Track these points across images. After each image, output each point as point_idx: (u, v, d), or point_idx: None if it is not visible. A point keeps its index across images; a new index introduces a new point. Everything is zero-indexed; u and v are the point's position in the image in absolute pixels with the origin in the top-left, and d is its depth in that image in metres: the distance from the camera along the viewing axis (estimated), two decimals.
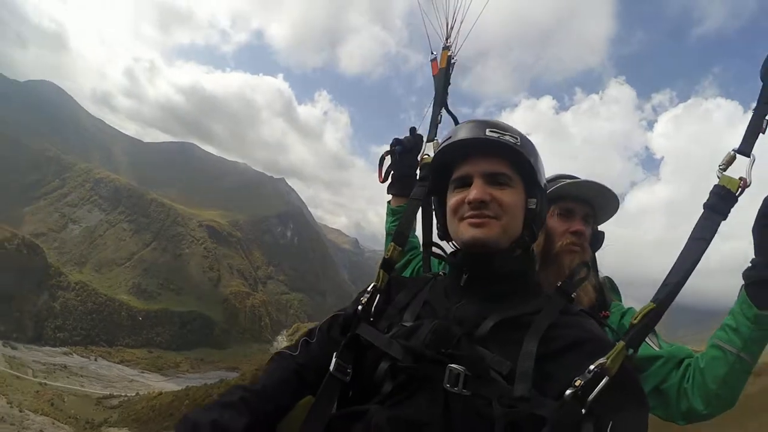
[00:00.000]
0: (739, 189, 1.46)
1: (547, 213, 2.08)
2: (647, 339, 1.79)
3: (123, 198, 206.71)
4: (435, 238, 1.79)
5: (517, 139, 1.45)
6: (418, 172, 2.06)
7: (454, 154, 1.53)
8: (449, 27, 2.31)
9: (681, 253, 1.40)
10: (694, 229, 1.42)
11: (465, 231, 1.43)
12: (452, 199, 1.50)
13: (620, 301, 2.26)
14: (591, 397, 1.13)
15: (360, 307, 1.57)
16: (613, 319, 2.06)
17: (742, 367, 1.61)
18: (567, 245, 2.12)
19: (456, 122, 1.98)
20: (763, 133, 1.54)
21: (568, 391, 1.13)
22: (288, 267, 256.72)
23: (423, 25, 2.34)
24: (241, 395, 1.39)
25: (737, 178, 1.47)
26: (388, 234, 2.36)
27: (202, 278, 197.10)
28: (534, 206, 1.49)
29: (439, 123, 2.18)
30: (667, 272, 1.38)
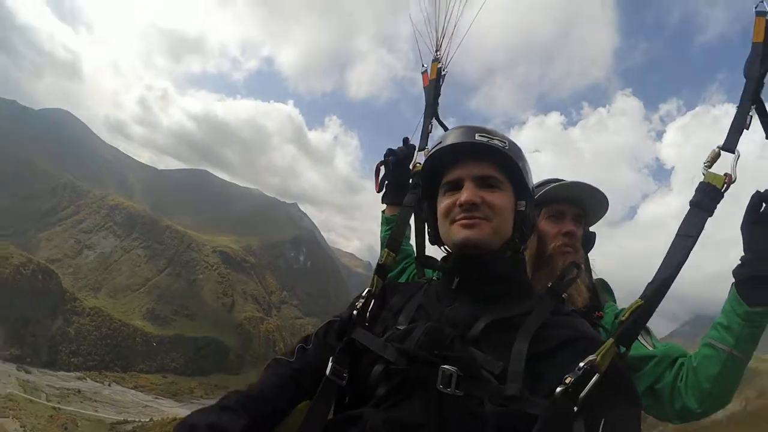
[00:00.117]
0: (725, 185, 1.47)
1: (538, 216, 2.17)
2: (641, 338, 1.83)
3: (137, 224, 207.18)
4: (428, 244, 1.81)
5: (505, 143, 1.48)
6: (411, 180, 2.09)
7: (444, 159, 1.56)
8: (439, 40, 2.39)
9: (668, 250, 1.41)
10: (680, 226, 1.44)
11: (457, 232, 1.46)
12: (443, 203, 1.53)
13: (614, 302, 2.27)
14: (582, 394, 1.15)
15: (355, 312, 1.59)
16: (607, 320, 2.06)
17: (735, 365, 1.60)
18: (559, 247, 2.14)
19: (446, 131, 1.98)
20: (747, 129, 1.56)
21: (558, 389, 1.15)
22: (301, 292, 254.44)
23: (414, 39, 2.43)
24: (239, 399, 1.40)
25: (722, 174, 1.48)
26: (382, 243, 2.34)
27: (216, 304, 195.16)
28: (523, 208, 1.52)
29: (430, 132, 2.27)
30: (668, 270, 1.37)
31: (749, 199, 1.58)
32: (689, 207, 1.48)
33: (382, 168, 2.46)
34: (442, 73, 2.42)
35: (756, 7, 1.64)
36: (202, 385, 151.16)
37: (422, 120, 2.35)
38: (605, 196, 2.23)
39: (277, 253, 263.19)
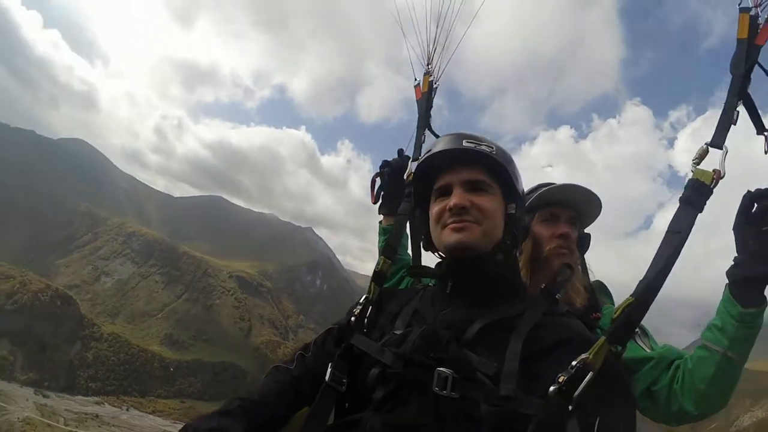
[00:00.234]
0: (714, 181, 1.48)
1: (531, 220, 2.24)
2: (639, 340, 1.87)
3: (154, 251, 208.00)
4: (426, 253, 1.82)
5: (492, 148, 1.52)
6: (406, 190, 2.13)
7: (434, 166, 1.60)
8: (430, 54, 2.47)
9: (659, 247, 1.41)
10: (670, 223, 1.45)
11: (448, 236, 1.49)
12: (434, 209, 1.56)
13: (613, 305, 2.26)
14: (576, 393, 1.15)
15: (353, 319, 1.63)
16: (605, 321, 2.06)
17: (730, 367, 1.60)
18: (554, 249, 2.17)
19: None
20: (734, 125, 1.58)
21: (551, 388, 1.16)
22: (318, 315, 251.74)
23: (407, 53, 2.52)
24: (239, 404, 1.42)
25: (711, 170, 1.49)
26: (380, 252, 2.37)
27: (233, 328, 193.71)
28: (513, 211, 1.54)
29: (423, 143, 2.36)
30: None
31: (740, 199, 1.57)
32: (679, 204, 1.49)
33: (378, 179, 2.52)
34: (434, 86, 2.51)
35: (739, 4, 1.66)
36: None
37: (415, 131, 2.46)
38: (598, 197, 2.24)
39: (293, 277, 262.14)
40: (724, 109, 1.60)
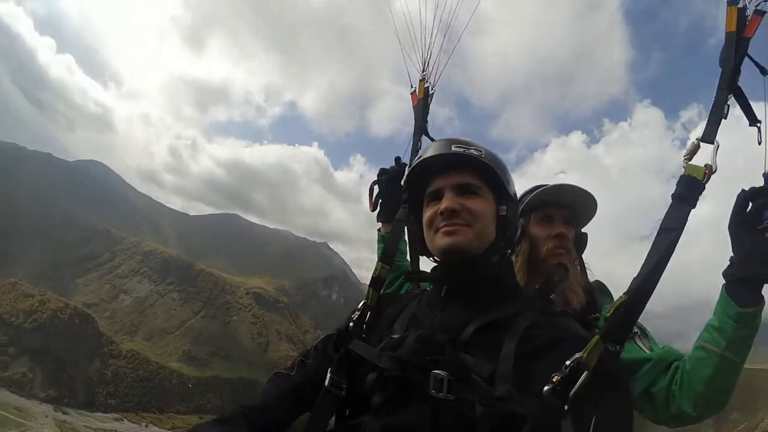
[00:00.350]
0: (706, 176, 1.47)
1: (527, 222, 2.25)
2: (638, 341, 1.87)
3: (172, 269, 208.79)
4: (424, 259, 1.84)
5: (481, 151, 1.53)
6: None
7: (425, 171, 1.62)
8: (426, 59, 2.49)
9: (652, 245, 1.41)
10: (663, 220, 1.45)
11: (440, 240, 1.50)
12: (427, 213, 1.58)
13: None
14: (572, 392, 1.16)
15: (351, 324, 1.66)
16: (603, 322, 2.06)
17: (728, 367, 1.58)
18: (551, 249, 2.17)
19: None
20: (725, 119, 1.56)
21: (546, 388, 1.17)
22: (335, 329, 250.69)
23: (403, 60, 2.55)
24: (240, 410, 1.45)
25: (702, 165, 1.49)
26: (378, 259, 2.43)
27: (251, 344, 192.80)
28: (505, 213, 1.54)
29: (419, 149, 2.35)
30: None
31: (735, 198, 1.54)
32: (671, 200, 1.47)
33: (376, 187, 2.52)
34: (430, 92, 2.53)
35: None
36: None
37: (412, 137, 2.49)
38: (592, 196, 2.24)
39: (309, 292, 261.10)
40: (714, 103, 1.58)
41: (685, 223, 1.42)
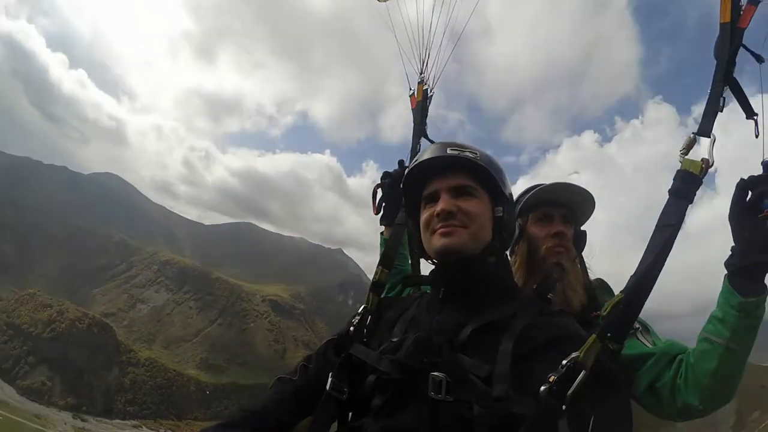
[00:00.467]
0: (703, 170, 1.44)
1: (526, 222, 2.25)
2: (640, 336, 1.84)
3: (188, 278, 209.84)
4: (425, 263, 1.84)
5: (476, 154, 1.55)
6: None
7: (420, 175, 1.64)
8: (424, 61, 2.50)
9: (649, 242, 1.39)
10: (660, 216, 1.42)
11: (436, 241, 1.52)
12: (423, 215, 1.60)
13: None
14: (570, 392, 1.15)
15: (352, 329, 1.67)
16: None
17: (733, 359, 1.55)
18: (550, 248, 2.15)
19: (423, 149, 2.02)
20: (721, 111, 1.54)
21: (542, 388, 1.16)
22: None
23: (402, 63, 2.56)
24: (242, 415, 1.47)
25: (699, 160, 1.46)
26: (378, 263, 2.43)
27: (267, 351, 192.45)
28: (501, 214, 1.56)
29: (419, 152, 2.28)
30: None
31: (734, 187, 1.51)
32: (668, 196, 1.46)
33: (379, 191, 2.51)
34: (429, 94, 2.53)
35: None
36: None
37: (411, 140, 2.51)
38: (590, 193, 2.23)
39: (325, 298, 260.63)
40: (709, 96, 1.55)
41: (682, 219, 1.39)
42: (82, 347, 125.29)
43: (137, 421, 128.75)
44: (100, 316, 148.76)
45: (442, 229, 1.50)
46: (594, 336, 1.25)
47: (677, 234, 1.38)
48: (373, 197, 2.50)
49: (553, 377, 1.17)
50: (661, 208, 1.43)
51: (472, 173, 1.55)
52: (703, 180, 1.45)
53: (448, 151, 1.55)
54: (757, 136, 1.54)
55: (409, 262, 2.43)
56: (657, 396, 1.73)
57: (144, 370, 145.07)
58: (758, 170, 1.46)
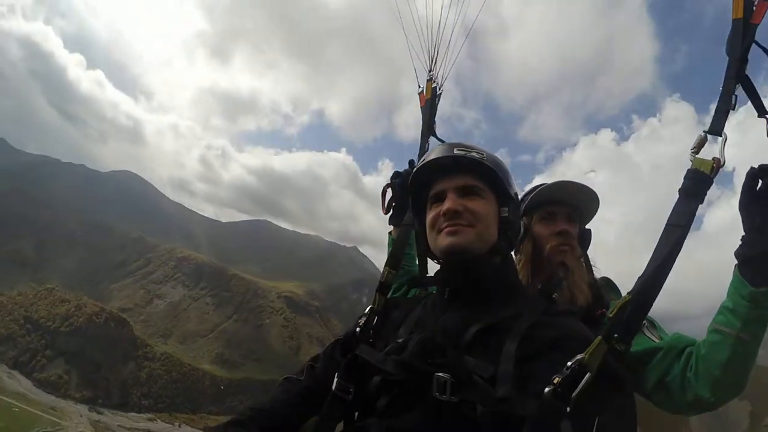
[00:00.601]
0: (714, 170, 1.42)
1: (531, 221, 2.25)
2: (646, 332, 1.81)
3: (204, 274, 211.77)
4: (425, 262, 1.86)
5: (482, 154, 1.56)
6: None
7: (427, 175, 1.65)
8: (433, 59, 2.49)
9: (658, 242, 1.38)
10: (669, 215, 1.41)
11: (442, 240, 1.52)
12: (430, 215, 1.61)
13: None
14: (574, 394, 1.15)
15: (358, 329, 1.68)
16: None
17: (744, 349, 1.53)
18: (554, 247, 2.15)
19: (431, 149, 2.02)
20: (734, 110, 1.51)
21: (546, 389, 1.15)
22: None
23: (411, 60, 2.55)
24: (249, 414, 1.48)
25: (710, 159, 1.44)
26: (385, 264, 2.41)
27: (282, 347, 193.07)
28: (507, 214, 1.57)
29: (427, 150, 2.28)
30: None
31: (744, 176, 1.49)
32: (678, 195, 1.44)
33: (389, 191, 2.49)
34: (438, 92, 2.51)
35: None
36: None
37: (420, 139, 2.50)
38: (593, 191, 2.22)
39: (340, 296, 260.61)
40: (721, 93, 1.53)
41: (692, 219, 1.38)
42: (99, 341, 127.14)
43: (152, 414, 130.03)
44: (117, 311, 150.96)
45: (448, 228, 1.51)
46: (599, 338, 1.24)
47: (687, 235, 1.36)
48: (382, 197, 2.47)
49: (557, 379, 1.16)
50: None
51: (479, 174, 1.56)
52: (714, 180, 1.42)
53: (455, 151, 1.56)
54: None
55: (417, 262, 2.36)
56: (667, 390, 1.71)
57: (160, 364, 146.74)
58: None
